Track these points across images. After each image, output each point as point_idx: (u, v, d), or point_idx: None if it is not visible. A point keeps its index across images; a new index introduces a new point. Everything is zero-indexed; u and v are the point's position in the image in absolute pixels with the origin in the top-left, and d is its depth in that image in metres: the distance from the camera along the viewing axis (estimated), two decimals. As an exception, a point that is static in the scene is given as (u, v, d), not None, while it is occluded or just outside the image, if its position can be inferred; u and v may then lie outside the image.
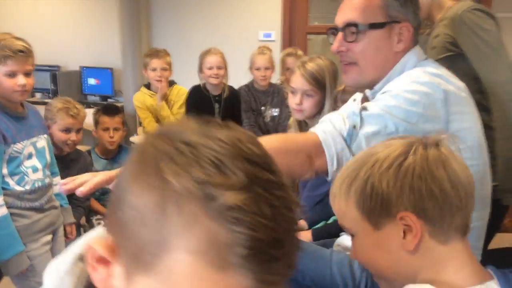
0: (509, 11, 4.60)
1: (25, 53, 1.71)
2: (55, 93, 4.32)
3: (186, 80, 3.27)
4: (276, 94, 2.96)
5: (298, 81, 1.72)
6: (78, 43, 4.64)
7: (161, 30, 4.53)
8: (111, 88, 4.49)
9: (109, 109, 2.62)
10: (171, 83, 3.10)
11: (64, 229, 2.01)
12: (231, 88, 2.98)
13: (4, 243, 1.60)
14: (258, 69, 2.94)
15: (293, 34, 4.18)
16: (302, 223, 1.69)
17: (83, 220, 2.37)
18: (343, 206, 0.76)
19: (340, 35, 1.13)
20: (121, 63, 4.39)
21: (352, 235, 0.77)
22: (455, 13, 1.43)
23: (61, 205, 1.96)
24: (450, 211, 0.70)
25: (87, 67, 4.51)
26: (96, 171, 2.44)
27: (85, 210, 2.27)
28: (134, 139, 3.47)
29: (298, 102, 1.70)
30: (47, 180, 1.81)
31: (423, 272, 0.70)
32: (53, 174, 1.93)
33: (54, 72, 4.38)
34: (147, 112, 3.01)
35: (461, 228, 0.71)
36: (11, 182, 1.69)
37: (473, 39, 1.41)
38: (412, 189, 0.69)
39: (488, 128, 1.39)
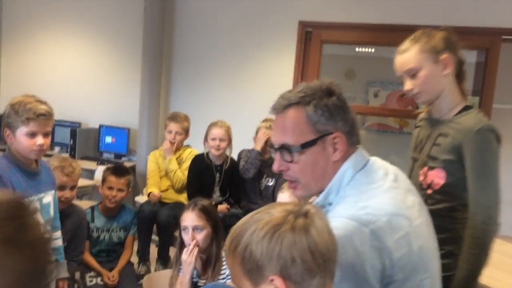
0: (509, 102, 4.79)
1: (46, 116, 1.85)
2: (73, 149, 4.54)
3: (200, 144, 3.46)
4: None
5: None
6: (99, 102, 4.93)
7: (179, 96, 4.80)
8: (126, 147, 4.70)
9: (117, 170, 2.73)
10: (187, 146, 3.35)
11: (57, 284, 2.06)
12: (232, 160, 3.14)
13: None
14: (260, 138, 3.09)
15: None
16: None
17: (77, 276, 2.44)
18: (230, 263, 0.90)
19: (277, 155, 1.16)
20: (138, 123, 4.63)
21: None
22: (471, 126, 1.47)
23: (56, 260, 2.03)
24: (309, 275, 0.84)
25: (105, 126, 4.75)
26: (96, 227, 2.57)
27: (78, 265, 2.34)
28: (139, 198, 3.60)
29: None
30: (48, 235, 1.90)
31: None
32: (54, 228, 2.02)
33: (74, 128, 4.62)
34: (156, 167, 3.27)
35: (320, 285, 0.85)
36: None
37: (479, 157, 1.46)
38: (279, 257, 0.83)
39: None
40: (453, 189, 1.53)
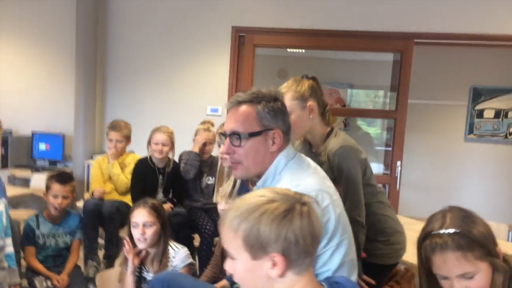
0: (423, 98, 5.35)
1: None
2: (4, 158, 4.40)
3: (137, 147, 3.54)
4: (214, 165, 3.27)
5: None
6: (31, 108, 4.80)
7: (115, 100, 4.81)
8: (62, 153, 4.63)
9: (62, 177, 2.71)
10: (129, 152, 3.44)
11: None
12: (175, 162, 3.26)
13: None
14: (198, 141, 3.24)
15: (238, 110, 4.58)
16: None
17: (24, 283, 2.45)
18: (231, 236, 1.03)
19: (227, 140, 1.45)
20: (73, 129, 4.59)
21: (232, 259, 1.05)
22: (332, 149, 1.82)
23: (9, 266, 2.06)
24: (305, 255, 1.01)
25: (39, 133, 4.65)
26: (41, 234, 2.59)
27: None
28: (80, 203, 3.61)
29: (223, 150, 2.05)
30: (1, 243, 1.94)
31: None
32: (6, 235, 2.05)
33: (5, 136, 4.47)
34: (100, 173, 3.34)
35: (309, 264, 1.04)
36: None
37: (340, 170, 1.80)
38: (285, 238, 0.99)
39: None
40: None
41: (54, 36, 4.73)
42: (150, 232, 2.07)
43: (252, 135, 1.41)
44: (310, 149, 1.97)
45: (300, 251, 1.00)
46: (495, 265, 1.19)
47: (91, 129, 4.66)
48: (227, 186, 2.09)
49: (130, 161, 3.36)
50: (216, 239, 2.89)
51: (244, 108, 1.43)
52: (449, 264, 1.19)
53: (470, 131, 5.71)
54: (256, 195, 1.05)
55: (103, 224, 3.10)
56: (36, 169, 4.40)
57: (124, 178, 3.26)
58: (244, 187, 2.00)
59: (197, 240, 3.13)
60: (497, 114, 5.65)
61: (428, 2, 4.23)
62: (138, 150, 3.56)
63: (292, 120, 1.78)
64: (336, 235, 1.37)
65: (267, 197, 1.03)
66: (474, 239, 1.18)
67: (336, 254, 1.37)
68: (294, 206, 1.01)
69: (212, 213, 3.16)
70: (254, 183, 1.74)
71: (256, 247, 0.99)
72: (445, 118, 5.78)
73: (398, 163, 4.38)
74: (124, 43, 4.73)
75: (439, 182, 5.70)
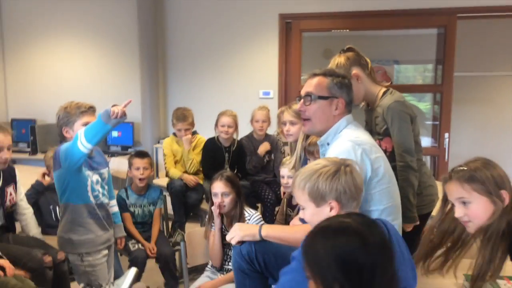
0: (470, 70, 5.40)
1: (94, 109, 2.39)
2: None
3: (199, 128, 3.93)
4: (270, 143, 3.64)
5: (286, 116, 2.69)
6: (102, 99, 5.31)
7: (176, 89, 5.27)
8: (132, 139, 5.16)
9: (140, 153, 3.21)
10: (193, 133, 3.78)
11: (115, 241, 2.57)
12: (239, 142, 3.67)
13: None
14: (257, 121, 3.64)
15: (288, 93, 4.90)
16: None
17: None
18: (300, 193, 1.46)
19: (302, 100, 1.86)
20: (141, 117, 5.10)
21: (303, 209, 1.48)
22: (385, 104, 2.11)
23: (115, 222, 2.53)
24: (352, 200, 1.43)
25: (111, 122, 5.18)
26: (130, 203, 3.05)
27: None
28: (156, 181, 4.10)
29: (287, 129, 2.63)
30: (107, 201, 2.40)
31: None
32: (110, 197, 2.52)
33: (83, 126, 5.03)
34: (171, 152, 3.73)
35: (356, 207, 1.45)
36: (91, 197, 2.27)
37: (393, 122, 2.10)
38: (337, 190, 1.41)
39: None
40: None
41: (119, 34, 5.17)
42: (228, 200, 2.44)
43: (321, 98, 1.80)
44: (368, 106, 2.29)
45: (348, 197, 1.41)
46: (494, 202, 1.46)
47: (156, 116, 5.17)
48: (293, 159, 2.50)
49: (198, 142, 3.75)
50: (277, 208, 3.26)
51: (318, 78, 1.82)
52: (450, 190, 1.53)
53: (519, 101, 5.70)
54: (313, 164, 1.50)
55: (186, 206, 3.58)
56: (112, 154, 4.93)
57: (196, 162, 3.64)
58: (305, 160, 2.41)
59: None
60: (547, 81, 5.60)
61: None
62: (199, 131, 3.89)
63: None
64: (384, 179, 1.72)
65: (321, 164, 1.46)
66: (475, 175, 1.47)
67: (384, 197, 1.72)
68: (340, 168, 1.44)
69: (273, 185, 3.55)
70: (313, 156, 2.15)
71: (318, 198, 1.43)
72: (493, 89, 5.80)
73: (446, 135, 4.56)
74: (181, 35, 5.14)
75: (489, 153, 5.72)
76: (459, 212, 1.51)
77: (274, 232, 1.83)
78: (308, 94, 1.82)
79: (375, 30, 5.36)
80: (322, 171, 1.42)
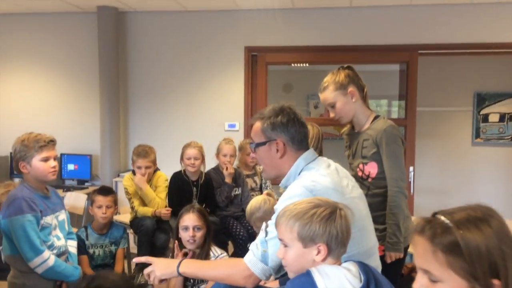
0: (430, 105, 5.57)
1: (54, 143, 2.21)
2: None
3: (163, 164, 3.70)
4: (237, 177, 3.51)
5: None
6: (60, 132, 5.03)
7: (138, 121, 5.07)
8: (89, 172, 4.87)
9: (103, 189, 3.00)
10: (155, 172, 3.49)
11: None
12: (206, 174, 3.50)
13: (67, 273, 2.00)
14: (225, 155, 3.51)
15: (255, 125, 4.82)
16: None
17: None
18: (288, 231, 1.35)
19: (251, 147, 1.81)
20: (100, 149, 4.85)
21: (286, 246, 1.37)
22: (381, 127, 2.10)
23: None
24: (341, 246, 1.35)
25: (67, 154, 4.90)
26: (90, 244, 2.81)
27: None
28: (117, 217, 3.83)
29: (252, 157, 2.52)
30: (65, 247, 2.18)
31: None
32: (71, 239, 2.31)
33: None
34: (136, 193, 3.40)
35: (343, 253, 1.37)
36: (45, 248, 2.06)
37: (388, 146, 2.09)
38: (330, 233, 1.32)
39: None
40: (384, 175, 2.13)
41: (79, 66, 5.02)
42: (199, 234, 2.29)
43: (258, 144, 1.73)
44: (353, 128, 2.25)
45: (339, 242, 1.34)
46: None
47: (116, 148, 4.92)
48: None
49: (158, 179, 3.47)
50: (249, 244, 3.09)
51: (255, 124, 1.76)
52: (416, 249, 0.98)
53: (477, 135, 5.88)
54: (305, 202, 1.39)
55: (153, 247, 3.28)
56: (67, 189, 4.63)
57: (159, 199, 3.35)
58: None
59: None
60: (502, 118, 5.85)
61: (430, 15, 4.49)
62: (163, 167, 3.66)
63: (338, 108, 2.16)
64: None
65: (314, 203, 1.37)
66: (460, 244, 0.91)
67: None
68: (336, 210, 1.35)
69: (242, 220, 3.39)
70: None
71: (307, 239, 1.33)
72: (452, 124, 5.98)
73: (411, 168, 4.59)
74: (143, 66, 5.01)
75: (450, 185, 5.87)
76: (419, 285, 0.99)
77: (193, 267, 1.73)
78: (250, 143, 1.80)
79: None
80: (317, 212, 1.34)
